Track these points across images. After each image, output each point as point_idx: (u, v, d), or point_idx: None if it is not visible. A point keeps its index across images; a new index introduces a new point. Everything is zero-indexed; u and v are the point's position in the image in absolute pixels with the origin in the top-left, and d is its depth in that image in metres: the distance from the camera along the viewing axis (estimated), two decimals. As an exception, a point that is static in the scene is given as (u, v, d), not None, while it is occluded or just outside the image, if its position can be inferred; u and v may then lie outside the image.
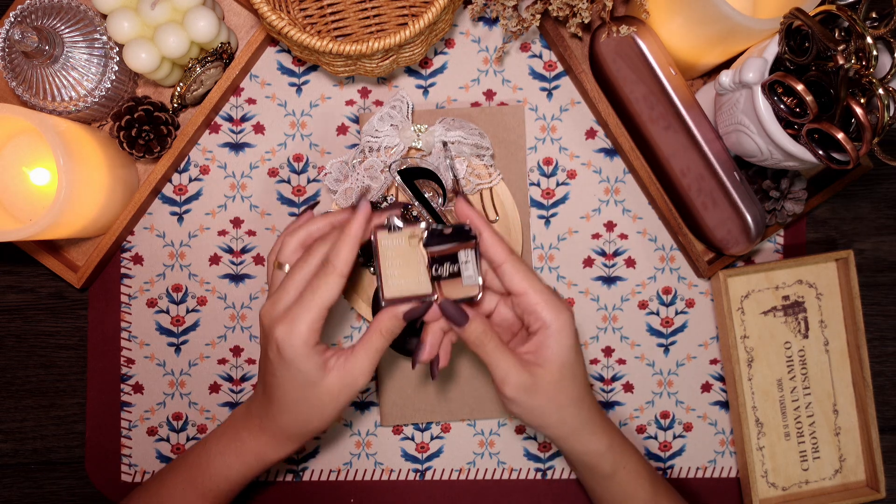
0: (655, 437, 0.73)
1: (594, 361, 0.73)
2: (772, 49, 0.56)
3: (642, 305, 0.72)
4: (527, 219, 0.71)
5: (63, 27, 0.63)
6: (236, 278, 0.72)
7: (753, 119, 0.57)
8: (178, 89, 0.67)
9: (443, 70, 0.72)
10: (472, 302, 0.54)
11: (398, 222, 0.54)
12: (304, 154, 0.72)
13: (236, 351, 0.72)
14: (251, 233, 0.72)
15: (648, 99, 0.66)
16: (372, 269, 0.69)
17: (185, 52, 0.63)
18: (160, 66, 0.64)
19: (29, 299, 0.73)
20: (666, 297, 0.72)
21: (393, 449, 0.72)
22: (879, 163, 0.72)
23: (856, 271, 0.69)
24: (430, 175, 0.65)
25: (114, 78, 0.64)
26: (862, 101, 0.53)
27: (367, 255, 0.67)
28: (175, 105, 0.68)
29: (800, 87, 0.53)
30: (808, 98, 0.53)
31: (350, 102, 0.72)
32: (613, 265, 0.72)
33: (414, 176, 0.65)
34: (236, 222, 0.72)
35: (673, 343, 0.73)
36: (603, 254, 0.72)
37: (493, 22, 0.71)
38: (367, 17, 0.69)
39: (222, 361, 0.72)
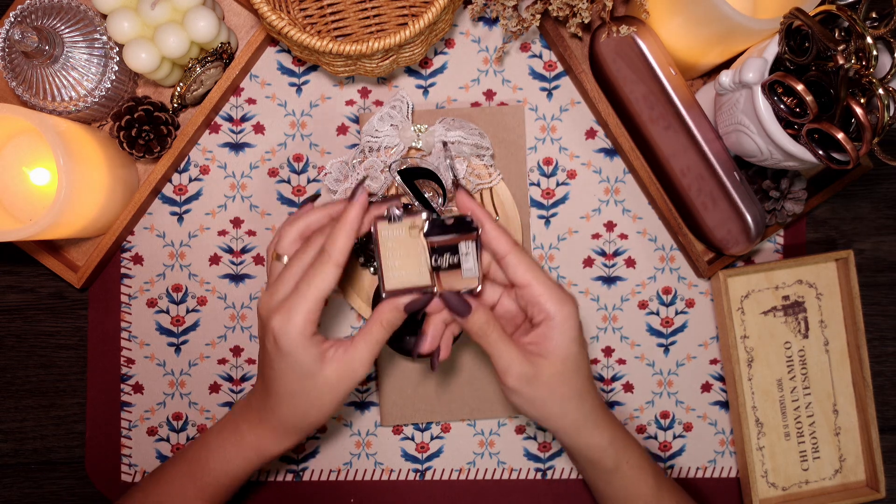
0: (655, 437, 0.73)
1: (594, 361, 0.73)
2: (772, 49, 0.56)
3: (642, 305, 0.72)
4: (527, 219, 0.71)
5: (63, 27, 0.63)
6: (236, 278, 0.72)
7: (753, 119, 0.57)
8: (178, 89, 0.67)
9: (443, 70, 0.72)
10: (471, 294, 0.54)
11: (398, 213, 0.53)
12: (304, 154, 0.72)
13: (236, 351, 0.72)
14: (251, 233, 0.72)
15: (648, 99, 0.66)
16: (372, 269, 0.69)
17: (185, 52, 0.63)
18: (160, 66, 0.64)
19: (29, 299, 0.73)
20: (666, 297, 0.72)
21: (393, 449, 0.72)
22: (879, 163, 0.72)
23: (856, 271, 0.69)
24: (430, 175, 0.65)
25: (114, 78, 0.64)
26: (862, 101, 0.53)
27: (366, 256, 0.67)
28: (175, 105, 0.68)
29: (800, 87, 0.53)
30: (808, 98, 0.53)
31: (350, 102, 0.72)
32: (613, 265, 0.72)
33: (414, 176, 0.65)
34: (236, 222, 0.72)
35: (673, 343, 0.73)
36: (603, 254, 0.72)
37: (493, 22, 0.71)
38: (367, 17, 0.69)
39: (222, 361, 0.72)
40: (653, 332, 0.73)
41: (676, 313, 0.73)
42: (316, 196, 0.61)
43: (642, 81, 0.65)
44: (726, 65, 0.66)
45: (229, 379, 0.72)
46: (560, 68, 0.72)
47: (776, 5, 0.61)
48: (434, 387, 0.70)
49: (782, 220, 0.68)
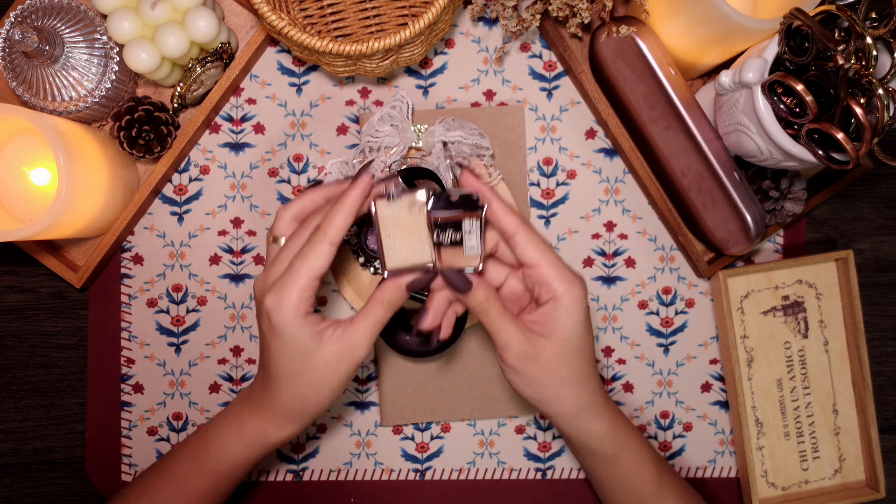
0: (655, 437, 0.73)
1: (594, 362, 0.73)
2: (772, 49, 0.56)
3: (642, 305, 0.73)
4: (527, 219, 0.71)
5: (63, 27, 0.63)
6: (236, 278, 0.72)
7: (753, 119, 0.57)
8: (179, 89, 0.67)
9: (443, 70, 0.72)
10: (472, 272, 0.53)
11: (398, 191, 0.52)
12: (304, 154, 0.72)
13: (236, 351, 0.72)
14: (251, 233, 0.72)
15: (648, 99, 0.66)
16: (372, 269, 0.68)
17: (185, 53, 0.63)
18: (160, 66, 0.64)
19: (29, 299, 0.73)
20: (666, 297, 0.72)
21: (393, 449, 0.72)
22: (879, 163, 0.72)
23: (855, 271, 0.69)
24: (430, 175, 0.65)
25: (114, 78, 0.64)
26: (862, 101, 0.53)
27: (366, 256, 0.67)
28: (175, 105, 0.68)
29: (800, 87, 0.53)
30: (808, 98, 0.53)
31: (350, 102, 0.72)
32: (613, 265, 0.72)
33: (414, 176, 0.65)
34: (236, 222, 0.72)
35: (673, 343, 0.73)
36: (603, 254, 0.72)
37: (493, 22, 0.71)
38: (367, 17, 0.69)
39: (222, 361, 0.72)
40: (653, 332, 0.73)
41: (676, 313, 0.73)
42: (318, 183, 0.60)
43: (642, 81, 0.65)
44: (726, 65, 0.66)
45: (229, 379, 0.72)
46: (560, 68, 0.72)
47: (776, 5, 0.61)
48: (434, 387, 0.70)
49: (782, 220, 0.68)
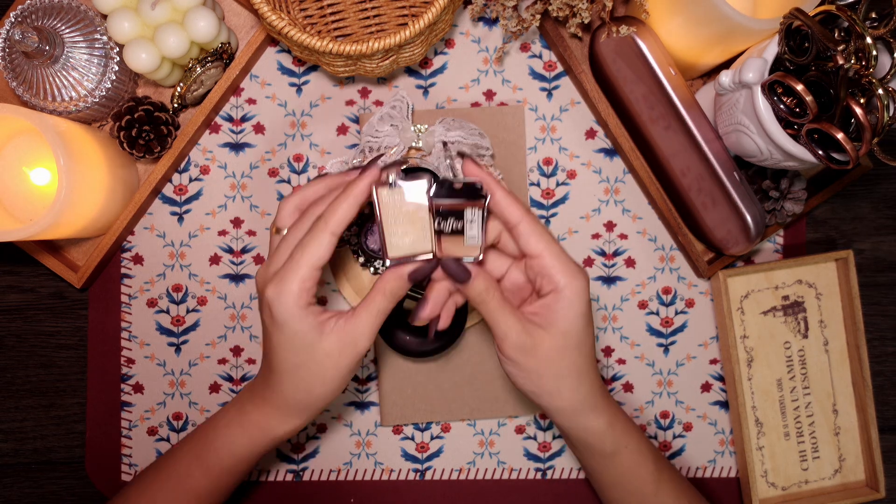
0: (655, 437, 0.73)
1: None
2: (772, 49, 0.56)
3: (642, 305, 0.73)
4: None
5: (63, 27, 0.63)
6: (236, 278, 0.72)
7: (753, 119, 0.57)
8: (179, 89, 0.67)
9: (443, 70, 0.72)
10: (472, 262, 0.52)
11: (399, 178, 0.51)
12: (304, 154, 0.72)
13: (236, 351, 0.72)
14: (251, 233, 0.72)
15: (648, 99, 0.66)
16: (372, 269, 0.69)
17: (185, 53, 0.63)
18: (160, 66, 0.64)
19: (29, 299, 0.73)
20: (666, 297, 0.72)
21: (393, 449, 0.72)
22: (879, 163, 0.72)
23: (855, 271, 0.69)
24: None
25: (114, 78, 0.64)
26: (862, 101, 0.53)
27: (367, 257, 0.67)
28: (175, 105, 0.68)
29: (799, 87, 0.53)
30: (808, 98, 0.53)
31: (350, 102, 0.72)
32: (613, 265, 0.72)
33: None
34: (236, 222, 0.72)
35: (673, 343, 0.73)
36: (603, 254, 0.72)
37: (493, 22, 0.71)
38: (367, 17, 0.69)
39: (222, 361, 0.72)
40: (653, 332, 0.73)
41: (676, 313, 0.73)
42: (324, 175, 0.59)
43: (642, 81, 0.65)
44: (726, 65, 0.66)
45: (229, 379, 0.72)
46: (560, 68, 0.72)
47: (776, 5, 0.61)
48: (434, 387, 0.70)
49: (782, 220, 0.68)
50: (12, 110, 0.58)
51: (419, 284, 0.54)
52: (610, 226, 0.72)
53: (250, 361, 0.72)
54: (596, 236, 0.72)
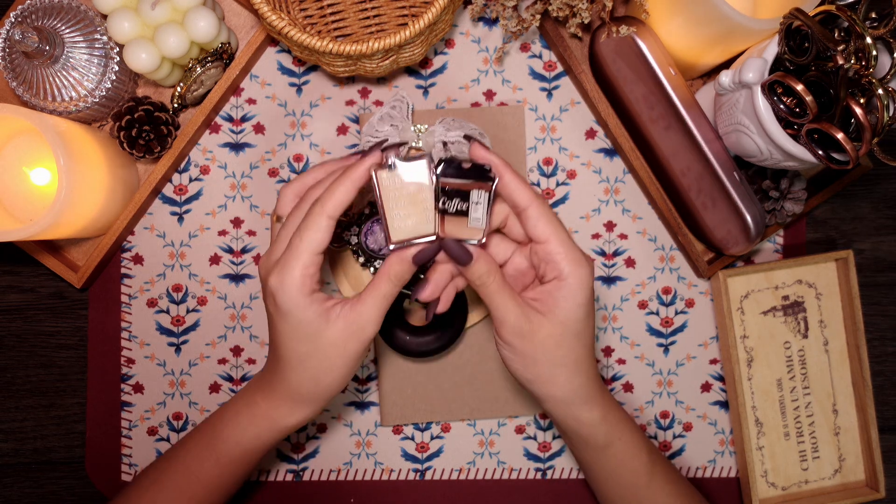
0: (655, 437, 0.73)
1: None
2: (771, 49, 0.56)
3: (642, 305, 0.73)
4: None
5: (63, 27, 0.63)
6: (236, 278, 0.72)
7: (753, 119, 0.57)
8: (179, 89, 0.67)
9: (443, 70, 0.72)
10: (475, 245, 0.51)
11: (399, 161, 0.50)
12: (304, 154, 0.72)
13: (236, 351, 0.72)
14: (251, 233, 0.72)
15: (648, 99, 0.66)
16: (372, 269, 0.68)
17: (185, 53, 0.63)
18: (160, 66, 0.64)
19: (29, 299, 0.73)
20: (666, 297, 0.72)
21: (393, 449, 0.72)
22: (879, 163, 0.72)
23: (855, 271, 0.69)
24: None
25: (114, 78, 0.64)
26: (861, 101, 0.53)
27: (367, 257, 0.67)
28: (175, 105, 0.68)
29: (799, 87, 0.53)
30: (808, 98, 0.53)
31: (350, 102, 0.72)
32: (613, 265, 0.72)
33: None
34: (236, 222, 0.72)
35: (673, 343, 0.73)
36: (603, 254, 0.72)
37: (493, 22, 0.71)
38: (367, 17, 0.69)
39: (222, 361, 0.72)
40: (653, 332, 0.73)
41: (676, 313, 0.73)
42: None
43: (642, 81, 0.65)
44: (726, 65, 0.66)
45: (229, 379, 0.72)
46: (560, 68, 0.72)
47: (776, 5, 0.61)
48: (434, 387, 0.70)
49: (782, 220, 0.68)
50: (12, 110, 0.58)
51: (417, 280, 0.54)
52: (610, 226, 0.72)
53: (250, 361, 0.72)
54: (596, 236, 0.72)
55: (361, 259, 0.68)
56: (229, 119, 0.72)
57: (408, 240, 0.50)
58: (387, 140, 0.62)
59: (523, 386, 0.54)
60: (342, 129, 0.72)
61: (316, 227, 0.49)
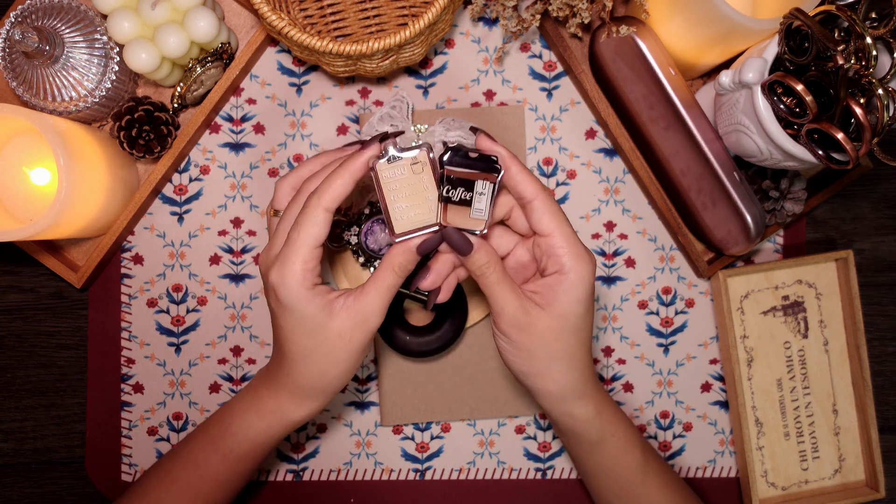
0: (655, 437, 0.73)
1: (594, 362, 0.73)
2: (771, 49, 0.56)
3: (642, 305, 0.73)
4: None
5: (63, 27, 0.63)
6: (236, 278, 0.72)
7: (753, 119, 0.57)
8: (179, 89, 0.67)
9: (443, 70, 0.72)
10: (474, 234, 0.51)
11: (397, 151, 0.49)
12: (304, 154, 0.72)
13: (236, 351, 0.72)
14: (251, 233, 0.72)
15: (648, 99, 0.66)
16: (372, 269, 0.68)
17: (185, 53, 0.63)
18: (160, 66, 0.64)
19: (29, 299, 0.73)
20: (666, 297, 0.72)
21: (393, 449, 0.72)
22: (879, 163, 0.72)
23: (855, 271, 0.69)
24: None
25: (114, 78, 0.64)
26: (861, 101, 0.53)
27: (367, 257, 0.67)
28: (175, 105, 0.68)
29: (799, 87, 0.53)
30: (808, 98, 0.53)
31: (350, 102, 0.72)
32: (613, 265, 0.72)
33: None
34: (236, 222, 0.72)
35: (673, 343, 0.73)
36: (603, 254, 0.72)
37: (493, 22, 0.71)
38: (367, 17, 0.69)
39: (222, 361, 0.72)
40: (653, 332, 0.73)
41: (676, 313, 0.73)
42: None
43: (642, 81, 0.65)
44: (726, 65, 0.66)
45: (229, 379, 0.72)
46: (560, 68, 0.72)
47: (776, 5, 0.61)
48: (434, 387, 0.70)
49: (782, 220, 0.68)
50: (12, 110, 0.58)
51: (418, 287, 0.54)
52: (610, 226, 0.72)
53: (250, 361, 0.72)
54: (596, 236, 0.72)
55: (361, 259, 0.68)
56: (229, 119, 0.72)
57: (411, 231, 0.50)
58: (386, 133, 0.62)
59: (518, 378, 0.54)
60: (342, 129, 0.72)
61: (313, 221, 0.49)
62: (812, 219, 0.74)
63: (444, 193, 0.49)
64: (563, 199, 0.72)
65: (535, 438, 0.73)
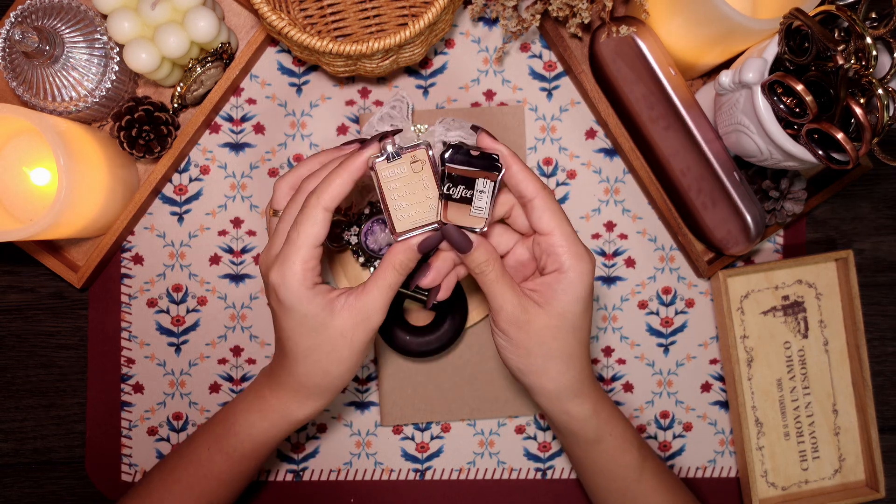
0: (655, 437, 0.73)
1: (594, 361, 0.73)
2: (771, 49, 0.56)
3: (642, 305, 0.73)
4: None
5: (63, 27, 0.63)
6: (236, 278, 0.72)
7: (753, 119, 0.57)
8: (179, 89, 0.67)
9: (443, 70, 0.72)
10: (474, 232, 0.51)
11: (396, 149, 0.49)
12: (304, 154, 0.72)
13: (236, 351, 0.72)
14: (251, 233, 0.72)
15: (648, 99, 0.66)
16: (372, 269, 0.68)
17: (185, 53, 0.63)
18: (160, 66, 0.64)
19: (29, 299, 0.73)
20: (666, 297, 0.72)
21: (393, 449, 0.72)
22: (879, 163, 0.72)
23: (855, 271, 0.69)
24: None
25: (114, 78, 0.64)
26: (861, 101, 0.53)
27: (367, 257, 0.67)
28: (175, 105, 0.68)
29: (799, 87, 0.53)
30: (808, 98, 0.53)
31: (350, 102, 0.72)
32: (613, 265, 0.72)
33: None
34: (236, 222, 0.72)
35: (673, 343, 0.73)
36: (603, 254, 0.72)
37: (493, 22, 0.71)
38: (367, 17, 0.69)
39: (222, 361, 0.72)
40: (653, 332, 0.73)
41: (676, 313, 0.73)
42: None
43: (642, 81, 0.65)
44: (726, 65, 0.66)
45: (229, 379, 0.72)
46: (560, 68, 0.72)
47: (776, 5, 0.61)
48: (434, 387, 0.70)
49: (782, 220, 0.68)
50: (12, 110, 0.58)
51: (419, 286, 0.54)
52: (610, 226, 0.72)
53: (250, 361, 0.72)
54: (596, 236, 0.72)
55: (361, 259, 0.68)
56: (229, 119, 0.72)
57: (412, 229, 0.50)
58: (388, 131, 0.62)
59: (515, 376, 0.54)
60: (342, 129, 0.72)
61: (313, 221, 0.49)
62: (812, 219, 0.74)
63: (445, 191, 0.49)
64: (563, 199, 0.72)
65: (535, 438, 0.73)
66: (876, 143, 0.53)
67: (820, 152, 0.56)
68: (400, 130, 0.54)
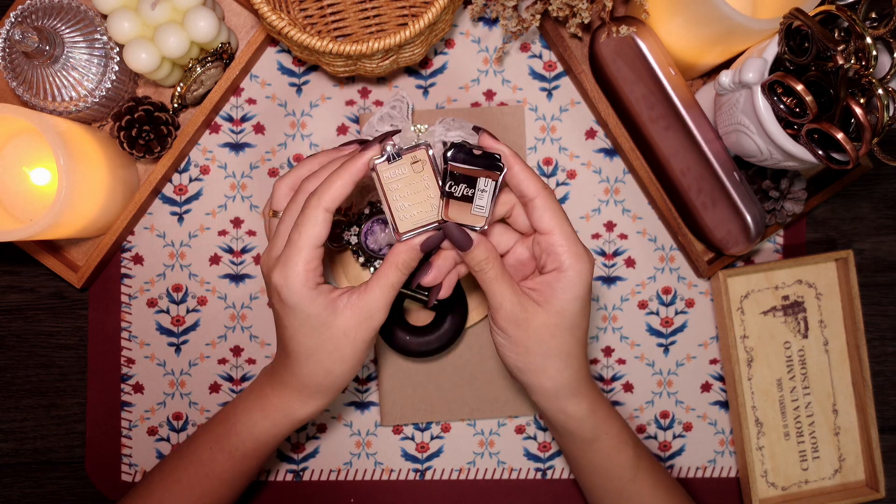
0: (655, 437, 0.73)
1: (594, 361, 0.73)
2: (771, 49, 0.56)
3: (642, 305, 0.73)
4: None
5: (63, 27, 0.63)
6: (236, 278, 0.72)
7: (753, 119, 0.57)
8: (179, 89, 0.67)
9: (443, 70, 0.72)
10: (474, 231, 0.51)
11: (397, 151, 0.50)
12: (304, 154, 0.72)
13: (236, 351, 0.72)
14: (251, 233, 0.72)
15: (648, 99, 0.66)
16: (372, 269, 0.68)
17: (185, 53, 0.63)
18: (160, 66, 0.64)
19: (29, 299, 0.73)
20: (666, 297, 0.72)
21: (393, 449, 0.72)
22: (879, 163, 0.72)
23: (855, 271, 0.69)
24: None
25: (114, 78, 0.64)
26: (861, 101, 0.53)
27: (367, 257, 0.67)
28: (175, 105, 0.68)
29: (799, 87, 0.53)
30: (808, 98, 0.53)
31: (350, 102, 0.72)
32: (613, 265, 0.72)
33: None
34: (236, 222, 0.72)
35: (673, 343, 0.73)
36: (603, 254, 0.72)
37: (493, 22, 0.71)
38: (367, 17, 0.69)
39: (222, 361, 0.72)
40: (653, 332, 0.73)
41: (676, 313, 0.73)
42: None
43: (642, 81, 0.65)
44: (726, 65, 0.66)
45: (229, 379, 0.72)
46: (560, 68, 0.72)
47: (776, 5, 0.61)
48: (434, 387, 0.70)
49: (782, 220, 0.68)
50: (12, 110, 0.58)
51: (421, 285, 0.54)
52: (610, 226, 0.72)
53: (250, 361, 0.72)
54: (596, 236, 0.72)
55: (361, 259, 0.68)
56: (229, 119, 0.72)
57: (415, 229, 0.51)
58: (389, 132, 0.62)
59: (513, 374, 0.54)
60: (342, 129, 0.72)
61: (314, 222, 0.50)
62: (812, 219, 0.74)
63: (447, 189, 0.50)
64: (563, 199, 0.72)
65: (535, 438, 0.73)
66: (876, 143, 0.53)
67: (820, 152, 0.56)
68: (400, 130, 0.54)
